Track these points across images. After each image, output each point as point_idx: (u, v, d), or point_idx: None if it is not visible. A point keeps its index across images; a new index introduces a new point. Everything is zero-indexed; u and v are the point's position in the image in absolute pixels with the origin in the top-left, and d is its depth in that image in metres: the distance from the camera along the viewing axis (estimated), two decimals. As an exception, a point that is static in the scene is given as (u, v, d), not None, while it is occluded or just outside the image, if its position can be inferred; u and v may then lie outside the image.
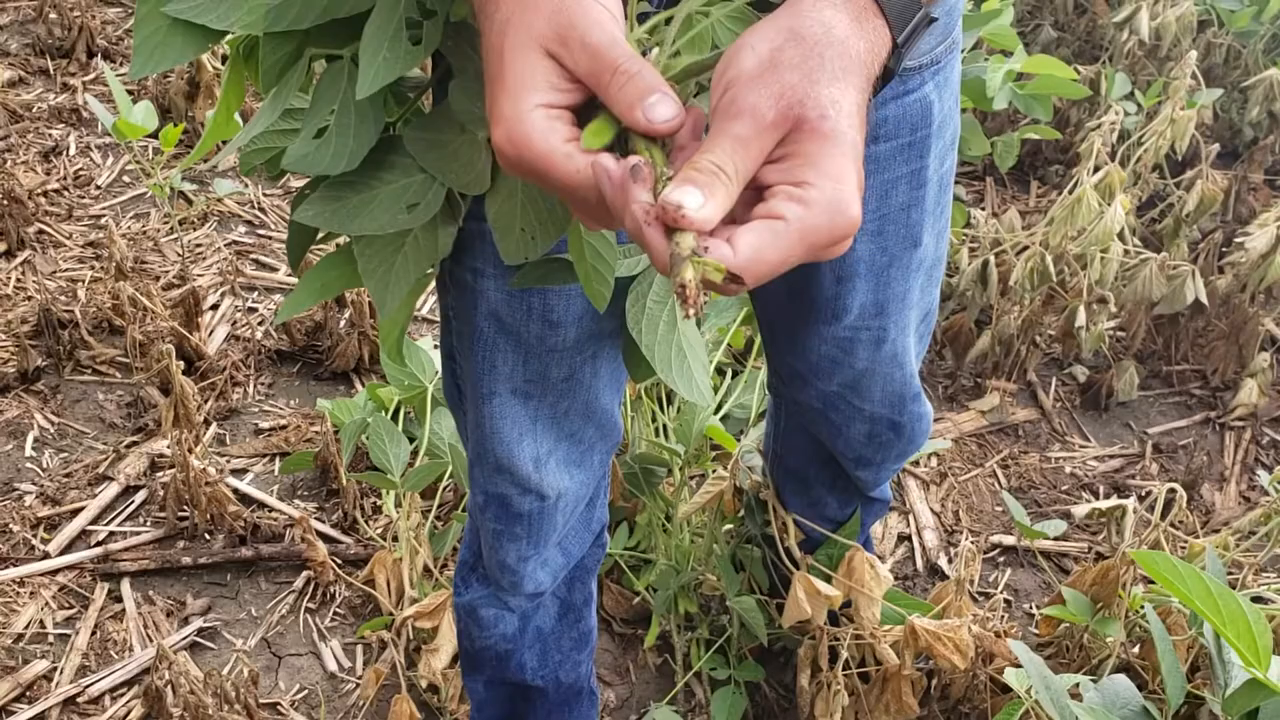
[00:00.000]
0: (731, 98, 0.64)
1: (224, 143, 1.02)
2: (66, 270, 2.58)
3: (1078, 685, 1.29)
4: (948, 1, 1.02)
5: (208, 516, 2.00)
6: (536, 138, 0.65)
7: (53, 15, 3.33)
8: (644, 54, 0.70)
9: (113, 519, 2.06)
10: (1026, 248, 2.27)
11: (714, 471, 1.78)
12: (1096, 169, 2.16)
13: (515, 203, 0.83)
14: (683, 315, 0.60)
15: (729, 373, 2.13)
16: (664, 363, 1.01)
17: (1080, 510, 2.05)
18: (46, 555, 1.98)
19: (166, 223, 2.72)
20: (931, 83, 1.06)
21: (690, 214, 0.59)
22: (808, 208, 0.62)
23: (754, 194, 0.64)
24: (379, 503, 2.07)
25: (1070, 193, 2.16)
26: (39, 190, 2.79)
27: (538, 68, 0.66)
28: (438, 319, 2.05)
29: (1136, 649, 1.69)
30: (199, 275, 2.58)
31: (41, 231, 2.67)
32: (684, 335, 1.01)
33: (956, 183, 2.54)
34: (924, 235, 1.16)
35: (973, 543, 2.07)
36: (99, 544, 2.01)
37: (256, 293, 2.57)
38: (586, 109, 0.67)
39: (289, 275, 2.60)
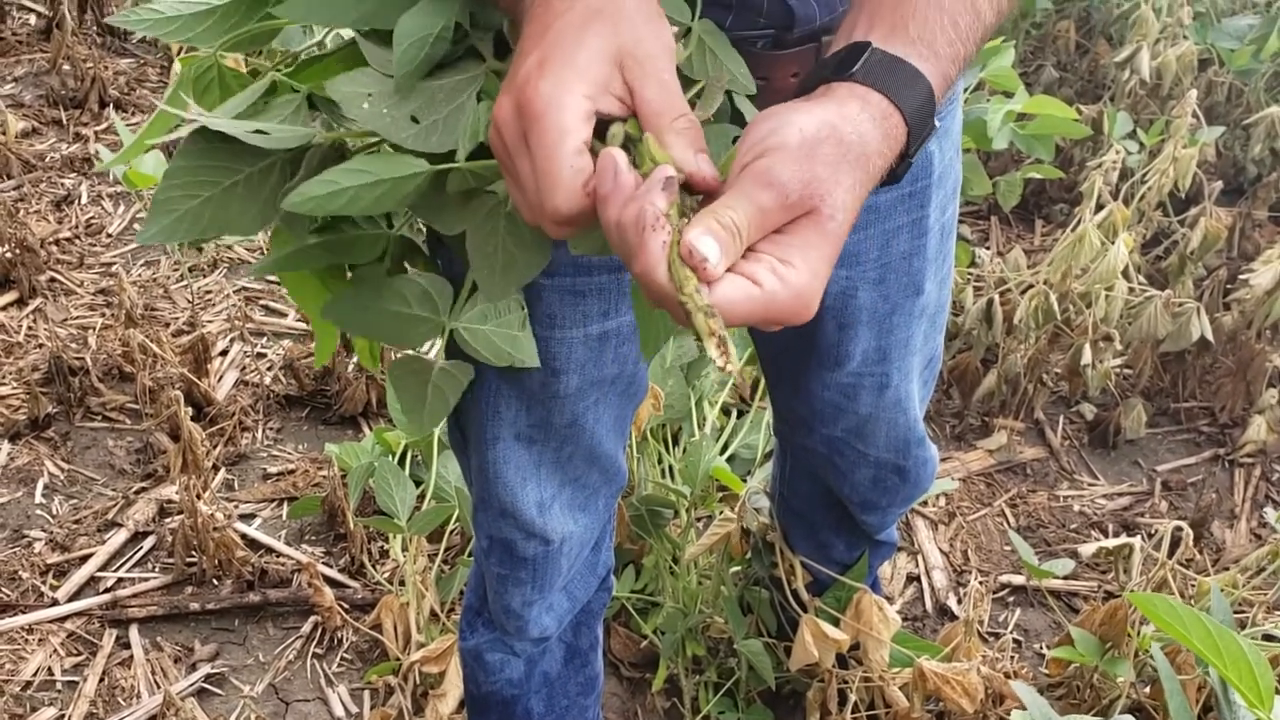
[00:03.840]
0: (767, 165, 0.67)
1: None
2: (77, 318, 2.60)
3: (1087, 727, 1.28)
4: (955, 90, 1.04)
5: (216, 562, 2.00)
6: (568, 115, 0.68)
7: (66, 67, 3.38)
8: None
9: (121, 565, 2.06)
10: (1031, 286, 2.27)
11: (721, 513, 1.78)
12: (1100, 207, 2.17)
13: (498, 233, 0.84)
14: (721, 368, 0.62)
15: (734, 413, 2.13)
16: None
17: (1088, 549, 2.04)
18: (55, 602, 1.98)
19: (176, 270, 2.74)
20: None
21: (710, 268, 0.63)
22: (784, 287, 0.65)
23: None
24: (386, 547, 2.07)
25: (1074, 231, 2.17)
26: (51, 239, 2.81)
27: (604, 66, 0.69)
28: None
29: (1147, 689, 1.67)
30: (208, 322, 2.60)
31: (53, 279, 2.69)
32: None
33: (961, 222, 2.55)
34: (926, 283, 1.16)
35: (982, 583, 2.06)
36: (107, 590, 2.01)
37: (265, 338, 2.58)
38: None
39: (298, 320, 2.62)
